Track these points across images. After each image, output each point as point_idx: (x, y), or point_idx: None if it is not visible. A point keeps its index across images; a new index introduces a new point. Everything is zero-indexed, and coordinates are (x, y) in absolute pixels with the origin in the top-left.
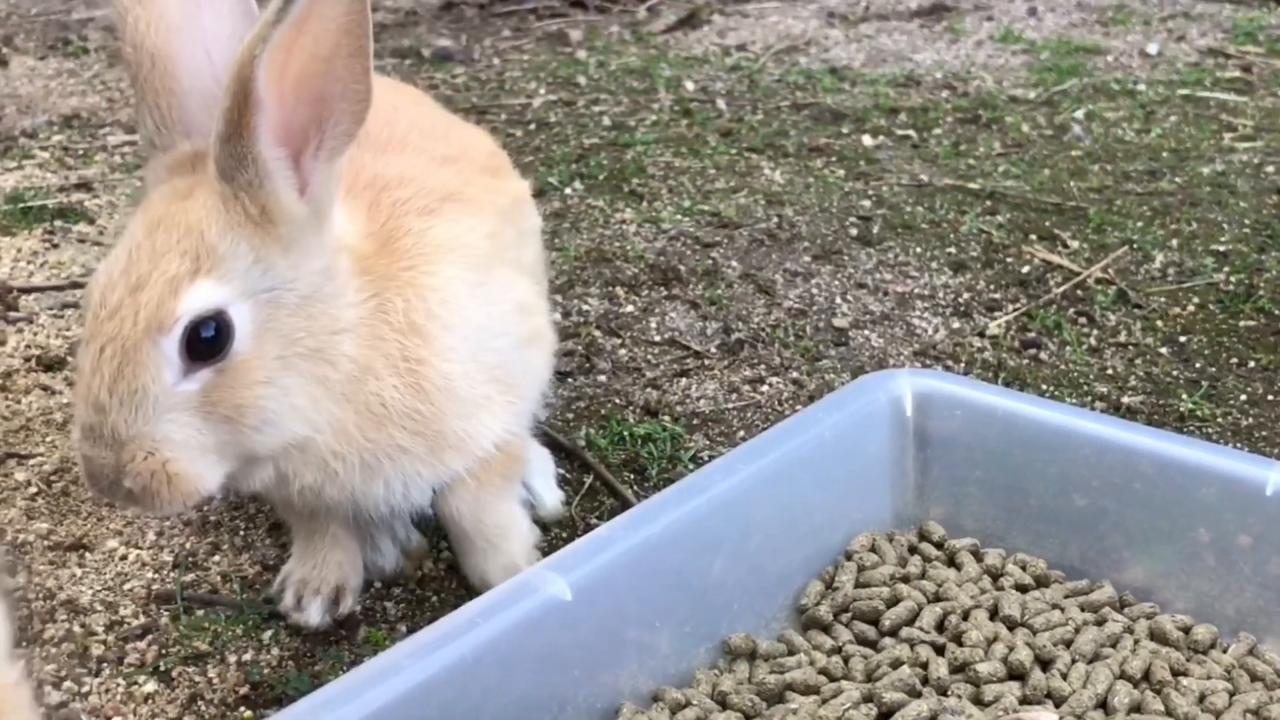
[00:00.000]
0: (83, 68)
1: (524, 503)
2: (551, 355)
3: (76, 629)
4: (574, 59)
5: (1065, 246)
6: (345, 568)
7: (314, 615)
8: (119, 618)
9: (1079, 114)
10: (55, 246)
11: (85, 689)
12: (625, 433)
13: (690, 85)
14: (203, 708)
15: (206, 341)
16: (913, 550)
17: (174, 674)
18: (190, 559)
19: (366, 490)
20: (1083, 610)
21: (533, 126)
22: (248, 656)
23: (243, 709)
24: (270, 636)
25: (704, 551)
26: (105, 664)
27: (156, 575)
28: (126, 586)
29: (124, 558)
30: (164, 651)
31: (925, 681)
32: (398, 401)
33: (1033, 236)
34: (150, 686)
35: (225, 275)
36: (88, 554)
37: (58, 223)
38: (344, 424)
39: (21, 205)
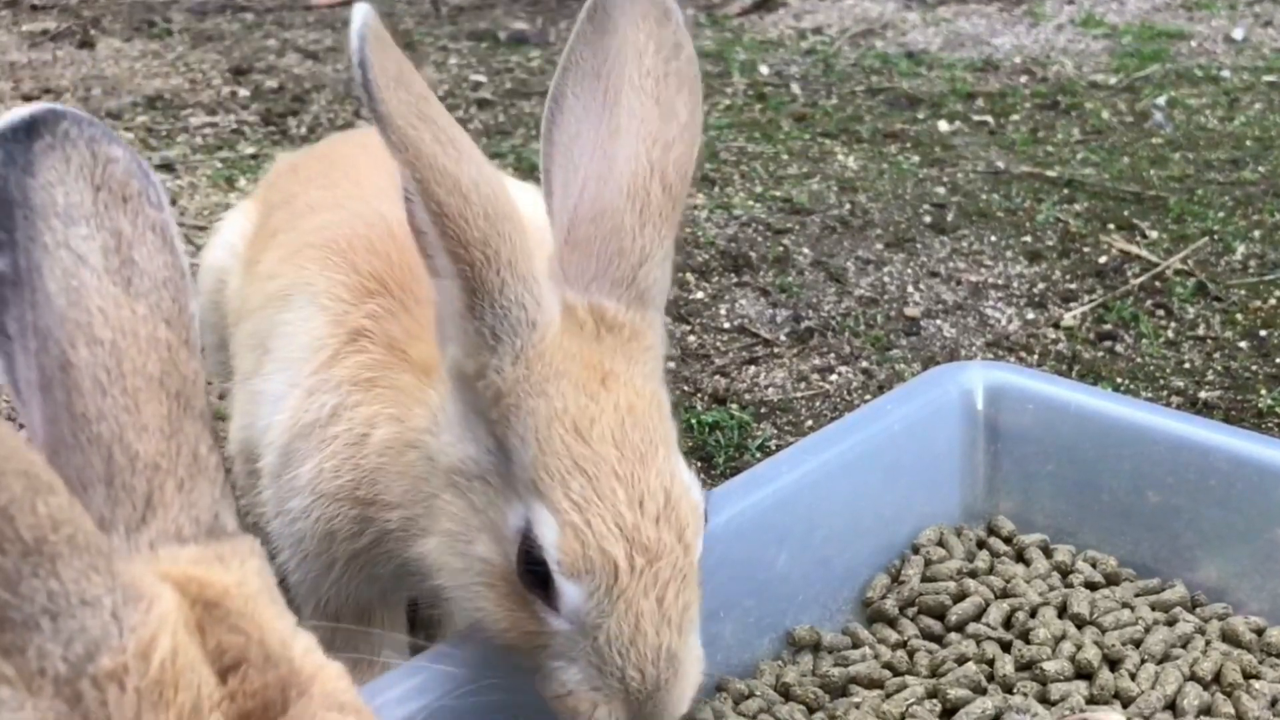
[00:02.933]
0: (166, 49)
1: None
2: None
3: None
4: None
5: (1144, 237)
6: None
7: None
8: None
9: (1161, 101)
10: None
11: None
12: (693, 420)
13: (764, 69)
14: None
15: None
16: (981, 545)
17: None
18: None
19: None
20: (1153, 609)
21: None
22: None
23: None
24: None
25: (769, 543)
26: None
27: None
28: None
29: None
30: None
31: (991, 679)
32: None
33: (1111, 226)
34: None
35: None
36: None
37: None
38: None
39: None
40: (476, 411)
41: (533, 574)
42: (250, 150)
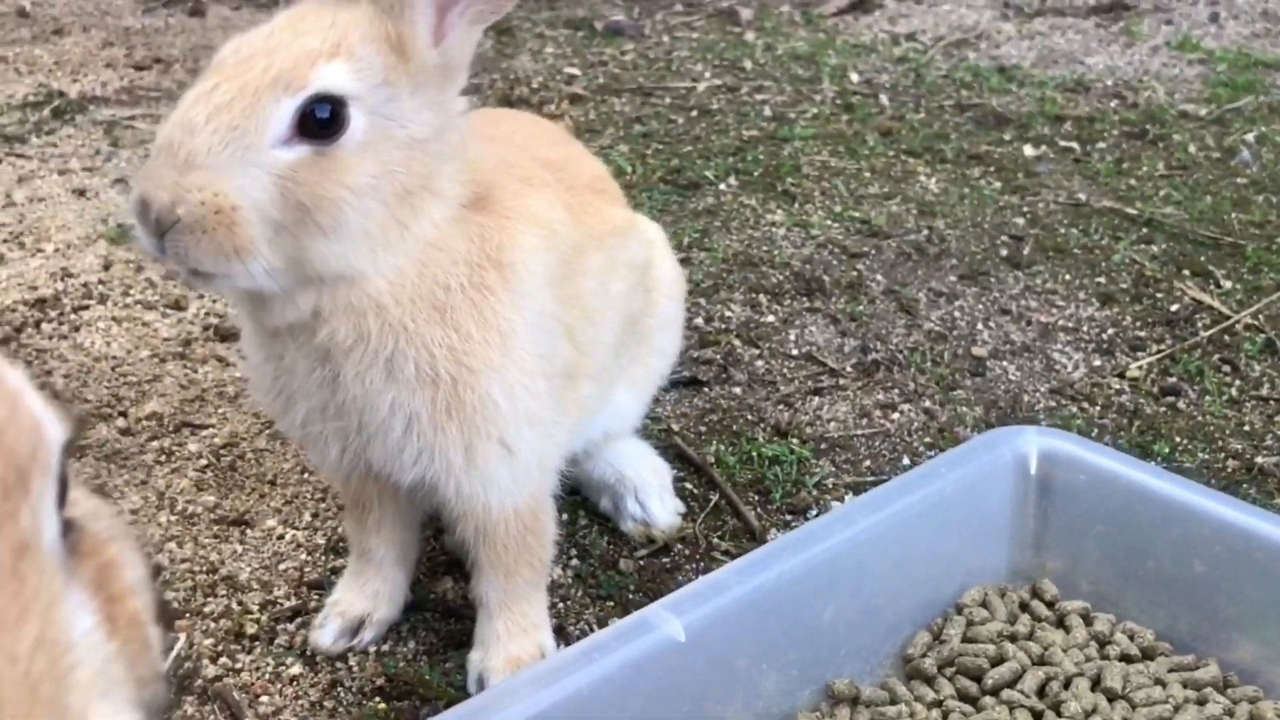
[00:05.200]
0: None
1: (639, 521)
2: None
3: (234, 606)
4: (742, 40)
5: (1218, 286)
6: (379, 598)
7: (326, 638)
8: (273, 598)
9: (1249, 136)
10: None
11: (238, 665)
12: (754, 452)
13: (855, 76)
14: (341, 694)
15: (320, 121)
16: (1024, 607)
17: (318, 659)
18: (340, 543)
19: (385, 414)
20: (1185, 687)
21: (694, 113)
22: (386, 647)
23: (377, 700)
24: (408, 629)
25: (816, 599)
26: (258, 643)
27: (309, 558)
28: (281, 567)
29: (281, 537)
30: (309, 633)
31: None
32: (457, 305)
33: (1185, 272)
34: (296, 669)
35: (358, 73)
36: (249, 530)
37: None
38: (400, 285)
39: None
40: None
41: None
42: None
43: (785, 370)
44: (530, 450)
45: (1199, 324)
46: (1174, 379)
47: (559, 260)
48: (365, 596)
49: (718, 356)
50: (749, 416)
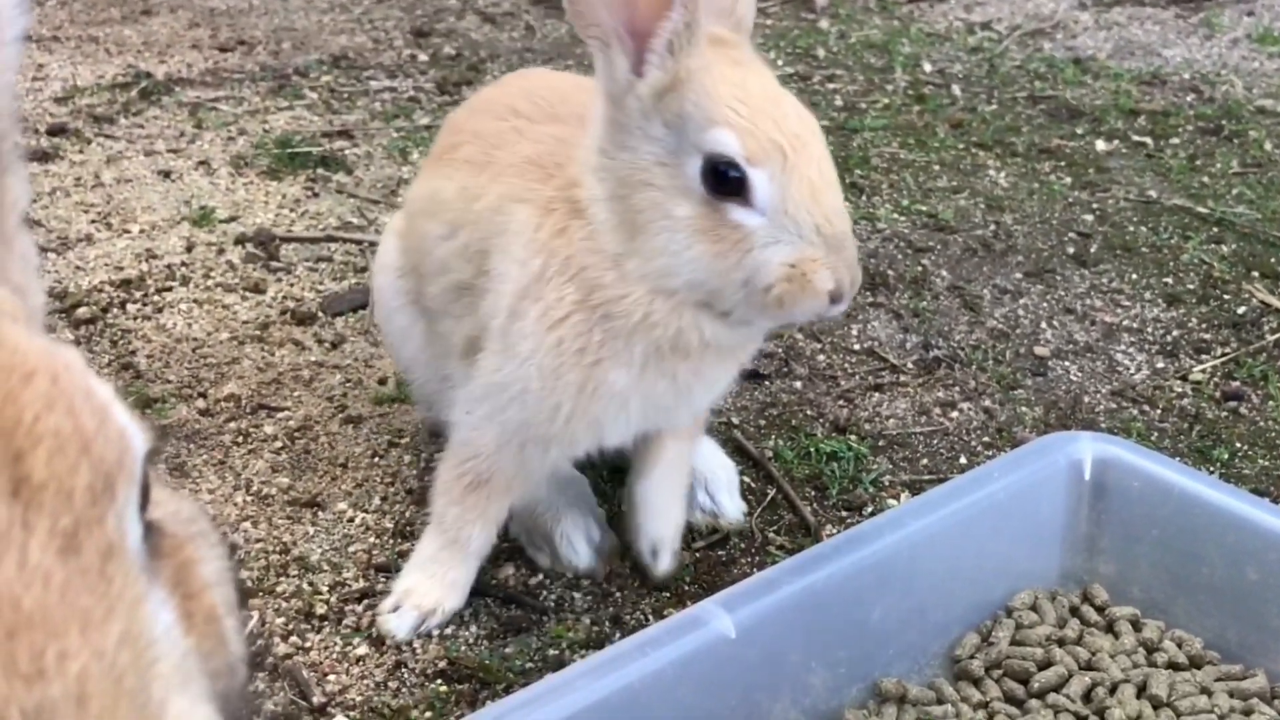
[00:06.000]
0: (353, 3)
1: (708, 512)
2: None
3: (305, 586)
4: (816, 28)
5: None
6: (455, 588)
7: (401, 629)
8: (342, 579)
9: None
10: (315, 195)
11: (307, 644)
12: (813, 448)
13: (928, 66)
14: (405, 676)
15: None
16: (1074, 612)
17: (384, 640)
18: (408, 528)
19: (706, 389)
20: (1231, 697)
21: None
22: (449, 631)
23: (439, 682)
24: (469, 614)
25: (865, 599)
26: (326, 622)
27: (377, 541)
28: (351, 549)
29: (351, 520)
30: (377, 617)
31: None
32: None
33: (1255, 273)
34: (362, 649)
35: None
36: (320, 513)
37: (319, 171)
38: None
39: (289, 150)
40: (649, 118)
41: (722, 188)
42: (425, 120)
43: (846, 365)
44: None
45: (1265, 327)
46: (1237, 383)
47: None
48: (443, 586)
49: (779, 350)
50: (808, 411)
